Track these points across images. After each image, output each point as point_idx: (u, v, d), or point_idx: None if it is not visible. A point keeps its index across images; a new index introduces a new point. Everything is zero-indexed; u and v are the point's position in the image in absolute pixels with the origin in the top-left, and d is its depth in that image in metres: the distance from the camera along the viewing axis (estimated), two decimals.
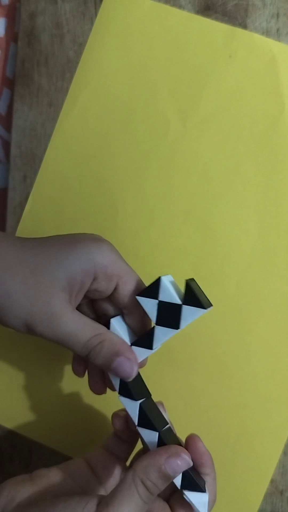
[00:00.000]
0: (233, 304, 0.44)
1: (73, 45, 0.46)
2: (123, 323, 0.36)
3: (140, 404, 0.35)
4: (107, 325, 0.36)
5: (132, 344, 0.35)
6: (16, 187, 0.47)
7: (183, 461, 0.32)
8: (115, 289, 0.35)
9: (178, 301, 0.34)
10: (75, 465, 0.37)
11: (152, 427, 0.34)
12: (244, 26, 0.43)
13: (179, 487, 0.33)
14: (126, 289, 0.35)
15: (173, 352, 0.44)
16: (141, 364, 0.37)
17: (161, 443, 0.34)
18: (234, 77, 0.43)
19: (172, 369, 0.44)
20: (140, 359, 0.35)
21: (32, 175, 0.47)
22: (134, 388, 0.35)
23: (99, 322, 0.36)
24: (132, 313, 0.36)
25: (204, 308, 0.33)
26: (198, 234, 0.44)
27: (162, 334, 0.34)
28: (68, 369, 0.46)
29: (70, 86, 0.46)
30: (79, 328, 0.34)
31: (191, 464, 0.32)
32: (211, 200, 0.44)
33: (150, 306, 0.34)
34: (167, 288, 0.34)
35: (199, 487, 0.33)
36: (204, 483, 0.34)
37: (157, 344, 0.35)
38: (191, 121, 0.44)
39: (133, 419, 0.35)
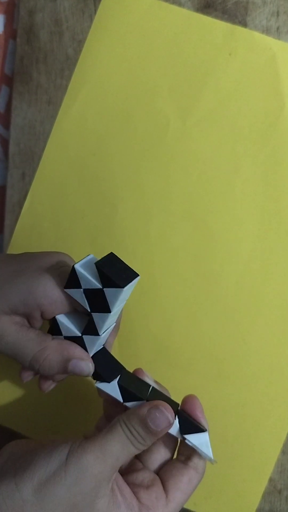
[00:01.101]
0: (232, 303, 0.44)
1: (72, 43, 0.46)
2: (72, 316, 0.36)
3: (118, 382, 0.35)
4: (55, 323, 0.36)
5: (82, 334, 0.35)
6: (14, 185, 0.47)
7: (161, 414, 0.33)
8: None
9: (98, 286, 0.33)
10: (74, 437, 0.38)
11: (137, 398, 0.35)
12: (244, 24, 0.43)
13: (175, 434, 0.34)
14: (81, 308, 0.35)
15: (172, 351, 0.44)
16: (109, 345, 0.38)
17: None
18: (234, 75, 0.43)
19: (170, 367, 0.44)
20: (94, 346, 0.35)
21: (31, 173, 0.46)
22: (106, 371, 0.35)
23: None
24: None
25: (122, 287, 0.32)
26: (197, 232, 0.44)
27: (100, 320, 0.34)
28: None
29: (69, 84, 0.45)
30: (22, 346, 0.34)
31: (171, 420, 0.33)
32: (211, 198, 0.44)
33: (79, 296, 0.34)
34: (84, 275, 0.33)
35: (198, 428, 0.34)
36: (206, 425, 0.35)
37: (101, 330, 0.34)
38: (191, 119, 0.44)
39: (117, 398, 0.35)
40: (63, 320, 0.35)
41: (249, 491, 0.44)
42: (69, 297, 0.35)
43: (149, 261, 0.44)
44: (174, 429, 0.35)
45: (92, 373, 0.35)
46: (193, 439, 0.34)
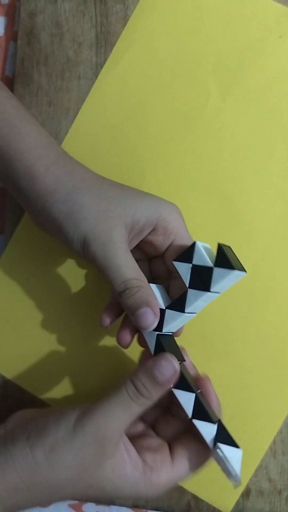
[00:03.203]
0: (247, 285, 0.44)
1: (73, 45, 0.46)
2: (162, 291, 0.38)
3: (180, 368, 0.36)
4: None
5: (166, 308, 0.37)
6: None
7: (167, 362, 0.34)
8: (169, 249, 0.38)
9: (210, 264, 0.35)
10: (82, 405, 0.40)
11: (189, 388, 0.35)
12: None
13: (208, 441, 0.34)
14: (179, 250, 0.37)
15: None
16: (177, 333, 0.39)
17: (198, 403, 0.35)
18: (282, 58, 0.44)
19: (176, 339, 0.43)
20: (173, 322, 0.37)
21: None
22: (169, 350, 0.36)
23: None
24: (178, 278, 0.38)
25: (234, 268, 0.34)
26: (221, 211, 0.44)
27: (193, 297, 0.36)
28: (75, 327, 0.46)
29: (115, 45, 0.45)
30: (127, 265, 0.36)
31: (177, 368, 0.34)
32: (240, 179, 0.44)
33: (184, 270, 0.36)
34: (201, 252, 0.36)
35: (234, 442, 0.34)
36: (217, 418, 0.35)
37: (188, 307, 0.36)
38: (232, 97, 0.44)
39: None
40: (154, 290, 0.37)
41: None
42: (182, 235, 0.38)
43: None
44: (209, 435, 0.34)
45: (150, 329, 0.36)
46: (227, 451, 0.34)
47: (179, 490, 0.45)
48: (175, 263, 0.36)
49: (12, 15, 0.48)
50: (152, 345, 0.36)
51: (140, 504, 0.46)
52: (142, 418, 0.38)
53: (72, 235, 0.36)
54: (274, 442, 0.44)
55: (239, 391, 0.44)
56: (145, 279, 0.37)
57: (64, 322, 0.46)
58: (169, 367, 0.34)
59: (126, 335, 0.39)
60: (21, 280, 0.46)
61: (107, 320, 0.39)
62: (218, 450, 0.34)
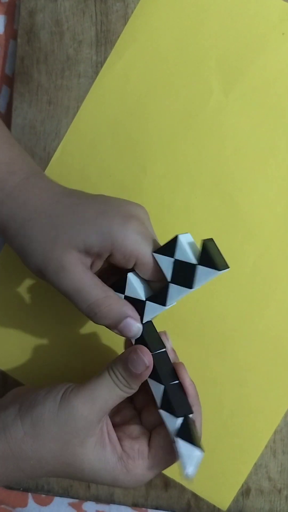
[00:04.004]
0: (246, 283, 0.44)
1: (73, 43, 0.46)
2: (140, 279, 0.37)
3: (154, 354, 0.36)
4: (124, 280, 0.37)
5: (147, 299, 0.36)
6: None
7: (137, 356, 0.35)
8: (135, 268, 0.36)
9: (194, 261, 0.34)
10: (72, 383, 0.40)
11: (159, 379, 0.36)
12: None
13: (158, 406, 0.36)
14: (144, 270, 0.36)
15: (178, 320, 0.44)
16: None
17: (165, 395, 0.36)
18: (284, 55, 0.44)
19: (175, 336, 0.43)
20: (154, 314, 0.36)
21: None
22: (151, 342, 0.36)
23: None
24: (154, 283, 0.37)
25: (219, 269, 0.33)
26: (222, 208, 0.44)
27: (175, 293, 0.35)
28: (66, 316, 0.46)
29: (117, 41, 0.45)
30: (87, 287, 0.35)
31: (146, 363, 0.35)
32: (242, 176, 0.44)
33: (166, 264, 0.35)
34: (184, 247, 0.34)
35: (196, 443, 0.34)
36: (189, 410, 0.36)
37: (170, 301, 0.35)
38: (234, 93, 0.44)
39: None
40: (133, 280, 0.36)
41: (235, 470, 0.44)
42: (144, 256, 0.35)
43: (171, 229, 0.44)
44: (172, 427, 0.35)
45: (138, 336, 0.36)
46: (183, 447, 0.34)
47: (179, 489, 0.45)
48: (155, 255, 0.35)
49: (12, 13, 0.48)
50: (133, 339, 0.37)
51: (140, 503, 0.46)
52: (134, 403, 0.39)
53: (29, 266, 0.37)
54: (274, 441, 0.44)
55: (238, 388, 0.44)
56: (110, 292, 0.36)
57: (62, 317, 0.46)
58: (139, 361, 0.35)
59: None
60: (19, 276, 0.46)
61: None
62: (175, 444, 0.34)
